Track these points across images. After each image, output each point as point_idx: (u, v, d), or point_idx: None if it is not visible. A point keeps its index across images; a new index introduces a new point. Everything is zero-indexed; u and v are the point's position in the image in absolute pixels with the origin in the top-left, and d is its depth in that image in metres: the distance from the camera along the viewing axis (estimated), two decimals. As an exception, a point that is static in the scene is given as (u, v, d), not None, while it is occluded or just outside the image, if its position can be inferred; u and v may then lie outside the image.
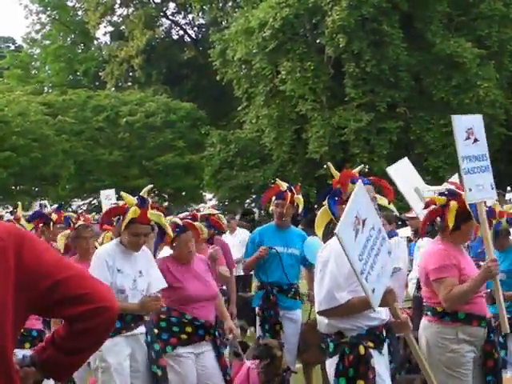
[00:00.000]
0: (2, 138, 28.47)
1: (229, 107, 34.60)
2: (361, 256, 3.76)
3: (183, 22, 42.35)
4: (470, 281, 4.85)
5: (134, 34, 38.46)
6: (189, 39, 42.20)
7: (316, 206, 23.13)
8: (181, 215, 6.60)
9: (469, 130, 5.06)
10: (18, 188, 30.87)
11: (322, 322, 4.30)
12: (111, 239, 6.64)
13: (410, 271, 8.92)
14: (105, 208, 12.20)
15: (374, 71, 25.76)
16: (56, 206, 6.89)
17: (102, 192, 13.04)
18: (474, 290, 4.87)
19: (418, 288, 8.76)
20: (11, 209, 29.82)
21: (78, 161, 31.51)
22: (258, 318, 6.96)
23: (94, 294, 2.22)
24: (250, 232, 7.62)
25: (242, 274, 9.65)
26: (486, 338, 4.94)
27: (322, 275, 4.12)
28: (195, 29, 42.39)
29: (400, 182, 6.69)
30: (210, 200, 36.20)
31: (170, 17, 42.11)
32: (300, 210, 7.00)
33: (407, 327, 4.25)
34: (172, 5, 41.65)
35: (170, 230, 5.43)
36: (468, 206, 4.95)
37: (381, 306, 4.01)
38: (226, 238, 10.49)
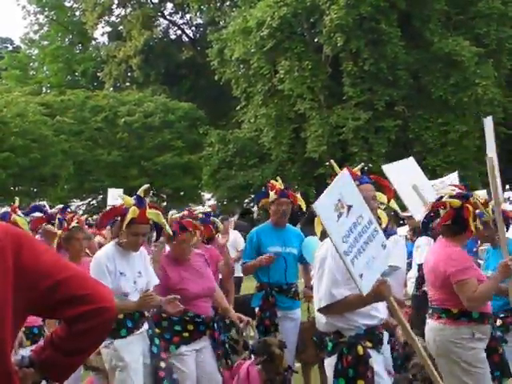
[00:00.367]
0: (0, 139, 28.46)
1: (227, 107, 34.60)
2: (345, 238, 3.79)
3: (181, 21, 42.38)
4: (489, 280, 4.96)
5: (132, 34, 38.45)
6: (187, 39, 42.19)
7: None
8: (177, 214, 6.61)
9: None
10: (17, 189, 30.83)
11: (321, 320, 4.31)
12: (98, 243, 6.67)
13: (408, 270, 8.93)
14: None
15: (372, 70, 25.77)
16: (61, 206, 6.84)
17: (109, 190, 12.83)
18: (494, 289, 4.96)
19: (417, 287, 8.79)
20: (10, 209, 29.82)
21: (77, 161, 31.49)
22: (256, 318, 6.96)
23: (94, 294, 2.22)
24: (248, 232, 7.57)
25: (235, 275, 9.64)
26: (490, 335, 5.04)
27: (321, 273, 4.13)
28: (193, 28, 42.39)
29: (395, 181, 6.68)
30: (209, 200, 36.19)
31: (168, 17, 42.11)
32: (304, 209, 7.06)
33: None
34: (170, 5, 41.67)
35: (168, 229, 5.44)
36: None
37: (377, 300, 4.01)
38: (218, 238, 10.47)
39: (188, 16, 41.74)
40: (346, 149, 26.84)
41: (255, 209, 33.06)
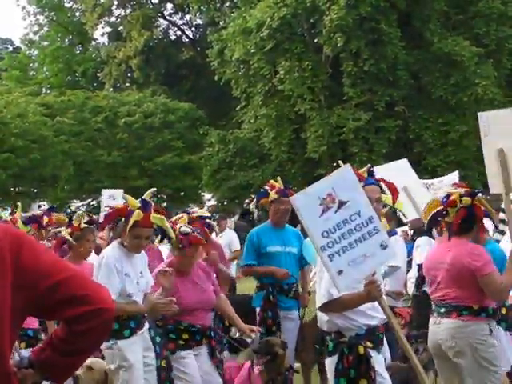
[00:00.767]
0: (0, 140, 28.46)
1: (227, 107, 34.59)
2: (327, 233, 3.79)
3: (181, 22, 42.37)
4: (507, 273, 5.00)
5: (132, 34, 38.45)
6: (187, 39, 42.20)
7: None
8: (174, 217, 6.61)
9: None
10: (17, 189, 30.85)
11: (322, 318, 4.32)
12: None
13: (408, 270, 8.93)
14: (105, 208, 12.13)
15: (372, 70, 25.76)
16: (47, 207, 6.82)
17: (104, 191, 12.80)
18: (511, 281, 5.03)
19: (417, 287, 8.78)
20: (10, 210, 29.85)
21: (77, 162, 31.49)
22: (258, 318, 6.94)
23: (93, 295, 2.22)
24: (247, 232, 7.54)
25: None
26: None
27: (322, 273, 4.14)
28: (193, 29, 42.39)
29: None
30: (209, 200, 36.18)
31: (168, 17, 42.10)
32: None
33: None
34: (169, 5, 41.67)
35: (172, 233, 5.44)
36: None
37: (369, 299, 4.00)
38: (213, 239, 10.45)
39: (188, 16, 41.78)
40: (347, 149, 26.82)
41: (252, 206, 33.03)
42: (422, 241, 8.80)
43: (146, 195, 5.32)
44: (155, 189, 5.68)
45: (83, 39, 44.10)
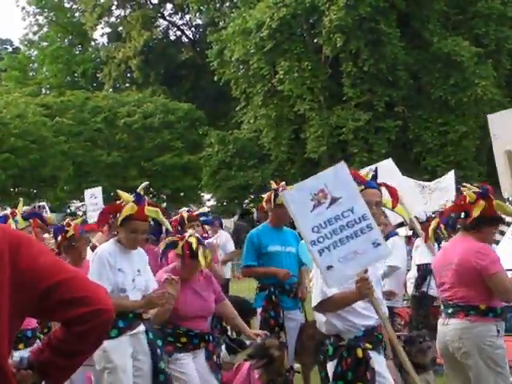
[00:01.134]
0: (0, 140, 28.46)
1: (227, 107, 34.61)
2: (317, 228, 3.79)
3: (180, 22, 42.39)
4: None
5: (132, 35, 38.45)
6: (186, 40, 42.20)
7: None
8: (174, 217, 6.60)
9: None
10: (16, 190, 30.86)
11: (321, 320, 4.32)
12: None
13: (408, 270, 8.93)
14: (89, 207, 12.23)
15: (371, 70, 25.77)
16: (35, 205, 6.76)
17: (86, 191, 12.89)
18: None
19: (417, 287, 8.78)
20: (10, 210, 29.81)
21: (77, 162, 31.51)
22: (259, 318, 6.94)
23: (92, 296, 2.22)
24: (247, 232, 7.53)
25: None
26: None
27: (318, 274, 4.14)
28: (193, 29, 42.41)
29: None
30: (209, 200, 36.19)
31: (168, 17, 42.12)
32: None
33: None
34: (169, 6, 41.68)
35: (168, 225, 5.43)
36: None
37: (359, 297, 3.98)
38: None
39: (188, 17, 41.80)
40: (346, 149, 26.83)
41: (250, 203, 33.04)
42: (421, 241, 8.80)
43: (140, 189, 5.30)
44: (148, 182, 5.63)
45: (83, 39, 44.10)
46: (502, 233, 7.91)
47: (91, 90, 37.95)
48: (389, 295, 7.67)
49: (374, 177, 4.59)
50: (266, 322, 6.79)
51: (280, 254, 6.86)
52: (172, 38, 42.59)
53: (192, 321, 5.58)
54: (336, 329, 4.20)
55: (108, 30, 43.01)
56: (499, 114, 5.70)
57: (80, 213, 29.22)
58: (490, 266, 4.93)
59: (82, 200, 35.29)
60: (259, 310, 6.95)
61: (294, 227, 7.35)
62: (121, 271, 5.13)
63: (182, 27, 42.31)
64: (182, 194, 34.32)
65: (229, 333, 8.00)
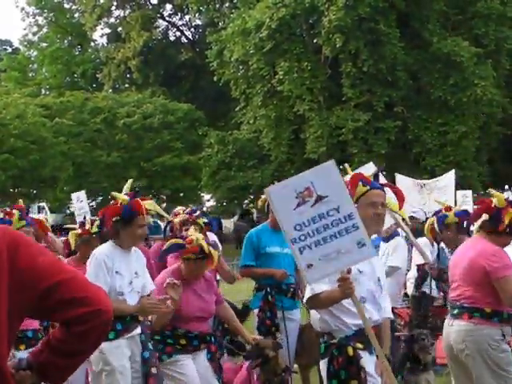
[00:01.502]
0: (0, 141, 28.49)
1: (226, 108, 34.62)
2: (299, 226, 3.79)
3: (180, 23, 42.42)
4: None
5: (131, 35, 38.46)
6: (186, 40, 42.22)
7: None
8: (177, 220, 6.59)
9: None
10: (16, 190, 30.85)
11: (315, 318, 4.33)
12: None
13: (408, 270, 8.92)
14: (78, 210, 12.44)
15: (371, 71, 25.77)
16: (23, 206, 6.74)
17: (73, 195, 13.16)
18: None
19: (417, 287, 8.78)
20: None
21: (76, 162, 31.51)
22: (257, 319, 6.93)
23: (91, 297, 2.22)
24: (247, 233, 7.52)
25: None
26: None
27: None
28: (192, 30, 42.43)
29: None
30: (208, 201, 36.21)
31: (167, 18, 42.13)
32: None
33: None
34: (169, 6, 41.69)
35: (164, 213, 5.44)
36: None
37: (342, 296, 3.97)
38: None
39: (187, 17, 41.81)
40: (346, 150, 26.84)
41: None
42: (421, 242, 8.79)
43: (127, 188, 5.30)
44: (132, 180, 5.61)
45: (82, 40, 44.12)
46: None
47: (91, 91, 37.96)
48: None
49: (376, 177, 4.58)
50: (263, 323, 6.79)
51: (278, 255, 6.85)
52: (171, 38, 42.63)
53: (192, 322, 5.56)
54: (329, 326, 4.21)
55: (107, 30, 43.08)
56: None
57: (89, 213, 29.19)
58: (500, 269, 4.88)
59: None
60: (256, 311, 6.95)
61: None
62: (118, 274, 5.11)
63: (181, 28, 42.34)
64: (181, 194, 34.32)
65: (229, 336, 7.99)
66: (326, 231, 3.82)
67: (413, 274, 8.93)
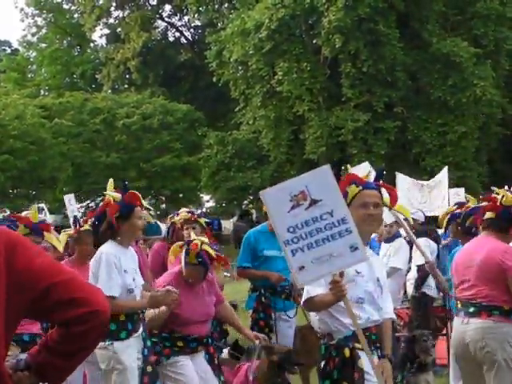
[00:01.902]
0: (-1, 142, 28.47)
1: (226, 108, 34.63)
2: (293, 229, 3.83)
3: (179, 23, 42.42)
4: None
5: (130, 36, 38.47)
6: (185, 41, 42.24)
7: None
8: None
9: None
10: (15, 191, 30.85)
11: (314, 319, 4.35)
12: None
13: (408, 271, 8.92)
14: (70, 212, 12.78)
15: (370, 71, 25.78)
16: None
17: (65, 197, 13.62)
18: None
19: (417, 288, 8.77)
20: (9, 212, 29.82)
21: (76, 163, 31.51)
22: (250, 320, 6.93)
23: (88, 297, 2.21)
24: (245, 233, 7.51)
25: None
26: None
27: None
28: (191, 30, 42.43)
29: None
30: (208, 201, 36.22)
31: (166, 19, 42.14)
32: None
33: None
34: (168, 7, 41.69)
35: (146, 205, 5.52)
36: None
37: (334, 299, 3.98)
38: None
39: (186, 18, 41.81)
40: (345, 150, 26.86)
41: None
42: (420, 242, 8.79)
43: (110, 186, 5.32)
44: (111, 179, 5.61)
45: (81, 41, 44.13)
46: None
47: (90, 92, 37.96)
48: None
49: (377, 177, 4.57)
50: (256, 323, 6.79)
51: (276, 258, 6.84)
52: (171, 39, 42.65)
53: (191, 326, 5.56)
54: (328, 327, 4.21)
55: (107, 31, 43.10)
56: None
57: (79, 214, 29.16)
58: None
59: (82, 201, 35.36)
60: (250, 312, 6.95)
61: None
62: (126, 272, 5.15)
63: (180, 28, 42.35)
64: (181, 195, 34.32)
65: (228, 337, 7.98)
66: (319, 234, 3.86)
67: (413, 274, 8.92)
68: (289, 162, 29.01)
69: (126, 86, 41.51)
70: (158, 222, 9.67)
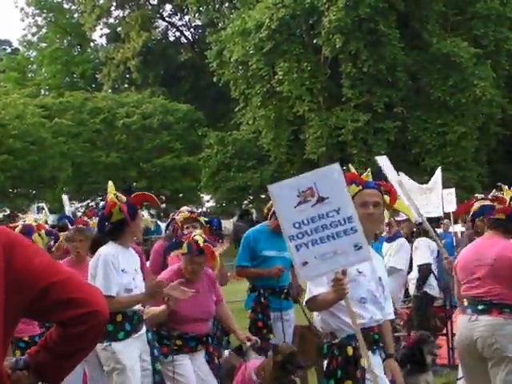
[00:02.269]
0: (-1, 141, 28.47)
1: (226, 108, 34.61)
2: (298, 224, 3.84)
3: (180, 23, 42.42)
4: None
5: (131, 35, 38.47)
6: (185, 41, 42.23)
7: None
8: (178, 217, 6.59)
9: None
10: (15, 191, 30.83)
11: (317, 318, 4.34)
12: None
13: (409, 272, 8.91)
14: (68, 212, 12.95)
15: (370, 71, 25.78)
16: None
17: (64, 196, 13.84)
18: None
19: (418, 288, 8.77)
20: (9, 212, 29.82)
21: (76, 163, 31.50)
22: (249, 320, 6.93)
23: (87, 298, 2.20)
24: (244, 233, 7.51)
25: None
26: None
27: None
28: (192, 30, 42.42)
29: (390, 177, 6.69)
30: (208, 201, 36.20)
31: (167, 18, 42.14)
32: None
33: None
34: (168, 6, 41.70)
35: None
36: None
37: (336, 298, 3.98)
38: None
39: (187, 17, 41.81)
40: (345, 150, 26.85)
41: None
42: (420, 242, 8.80)
43: (111, 189, 5.33)
44: (111, 182, 5.59)
45: (82, 40, 44.13)
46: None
47: (90, 91, 37.94)
48: None
49: (378, 176, 4.57)
50: (254, 324, 6.79)
51: (275, 258, 6.84)
52: (171, 38, 42.66)
53: (190, 324, 5.56)
54: (330, 327, 4.21)
55: (107, 30, 43.10)
56: None
57: (79, 214, 29.19)
58: None
59: (82, 201, 35.40)
60: (249, 312, 6.95)
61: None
62: (124, 272, 5.17)
63: (181, 28, 42.34)
64: (181, 195, 34.30)
65: (229, 336, 7.98)
66: (324, 231, 3.86)
67: (415, 274, 8.92)
68: (289, 162, 29.00)
69: (126, 85, 41.51)
70: (159, 222, 9.69)
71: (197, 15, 39.73)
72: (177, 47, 41.33)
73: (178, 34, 42.55)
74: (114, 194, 5.25)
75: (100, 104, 33.71)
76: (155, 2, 41.35)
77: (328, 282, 4.02)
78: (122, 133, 32.73)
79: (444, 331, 8.77)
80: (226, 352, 6.95)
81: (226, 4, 36.51)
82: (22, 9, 44.53)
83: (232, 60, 28.18)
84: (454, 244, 11.83)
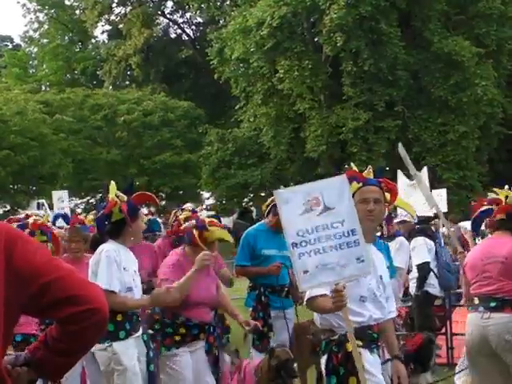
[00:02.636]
0: (-1, 137, 28.46)
1: (227, 106, 34.61)
2: (302, 232, 3.85)
3: (181, 20, 42.40)
4: None
5: (132, 32, 38.45)
6: (186, 38, 42.20)
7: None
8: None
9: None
10: (15, 187, 30.82)
11: (316, 314, 4.35)
12: None
13: (410, 271, 8.91)
14: (57, 210, 12.48)
15: (371, 70, 25.75)
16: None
17: (53, 193, 13.20)
18: None
19: (419, 287, 8.77)
20: (9, 208, 29.81)
21: (76, 159, 31.48)
22: (250, 318, 6.92)
23: (87, 295, 2.20)
24: (244, 231, 7.50)
25: None
26: None
27: None
28: (193, 27, 42.42)
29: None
30: (208, 199, 36.19)
31: (168, 15, 42.13)
32: None
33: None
34: (170, 3, 41.73)
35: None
36: None
37: (333, 308, 3.98)
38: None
39: (188, 15, 41.81)
40: (346, 149, 26.83)
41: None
42: (418, 242, 8.79)
43: (111, 188, 5.32)
44: (113, 182, 5.58)
45: (83, 37, 44.11)
46: None
47: (91, 88, 37.95)
48: None
49: (377, 174, 4.57)
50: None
51: (275, 257, 6.84)
52: (172, 35, 42.62)
53: (194, 309, 5.55)
54: (328, 323, 4.22)
55: (108, 27, 43.07)
56: None
57: (79, 210, 29.18)
58: None
59: (82, 197, 35.37)
60: (250, 310, 6.95)
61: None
62: (125, 270, 5.15)
63: (182, 25, 42.34)
64: (181, 192, 34.29)
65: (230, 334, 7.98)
66: (328, 242, 3.87)
67: (415, 274, 8.92)
68: (289, 160, 28.99)
69: (127, 82, 41.49)
70: (158, 219, 9.67)
71: (198, 12, 39.73)
72: (178, 44, 41.30)
73: (179, 31, 42.59)
74: (115, 194, 5.24)
75: (101, 101, 33.69)
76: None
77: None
78: (122, 129, 32.73)
79: (443, 331, 8.78)
80: (228, 358, 6.95)
81: (228, 1, 36.49)
82: (24, 5, 44.46)
83: (233, 57, 28.14)
84: (442, 244, 11.90)
